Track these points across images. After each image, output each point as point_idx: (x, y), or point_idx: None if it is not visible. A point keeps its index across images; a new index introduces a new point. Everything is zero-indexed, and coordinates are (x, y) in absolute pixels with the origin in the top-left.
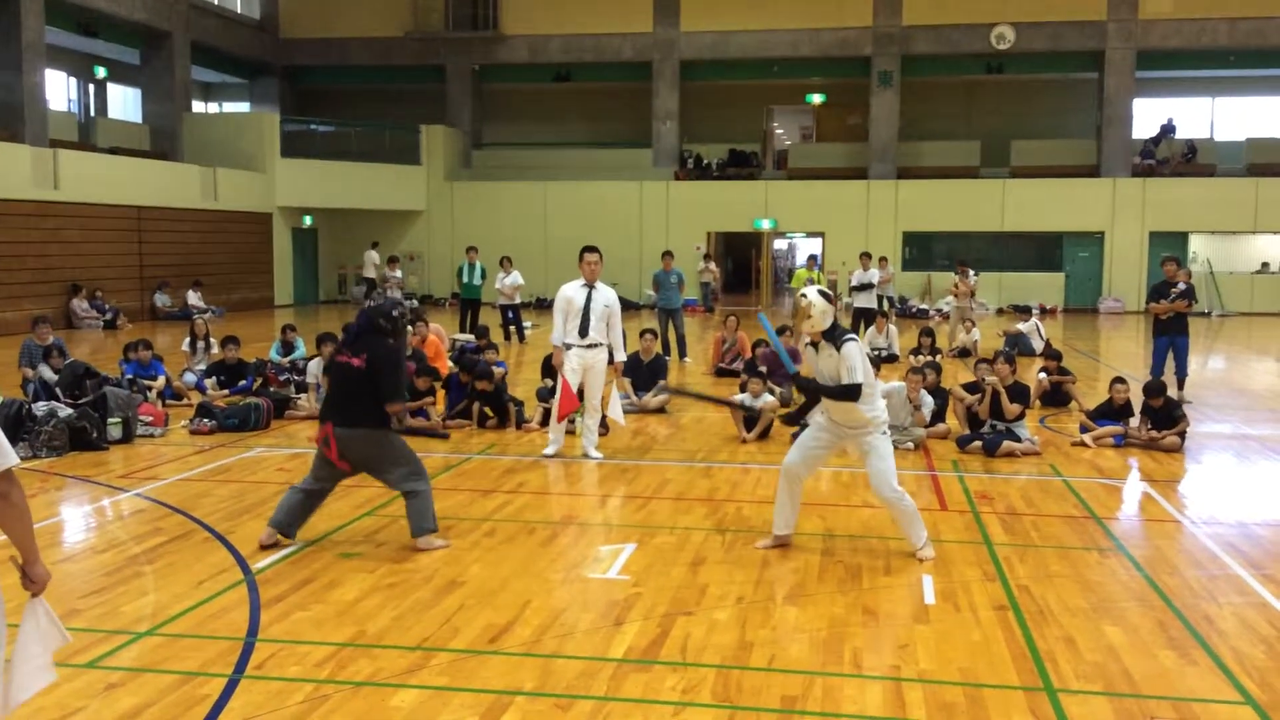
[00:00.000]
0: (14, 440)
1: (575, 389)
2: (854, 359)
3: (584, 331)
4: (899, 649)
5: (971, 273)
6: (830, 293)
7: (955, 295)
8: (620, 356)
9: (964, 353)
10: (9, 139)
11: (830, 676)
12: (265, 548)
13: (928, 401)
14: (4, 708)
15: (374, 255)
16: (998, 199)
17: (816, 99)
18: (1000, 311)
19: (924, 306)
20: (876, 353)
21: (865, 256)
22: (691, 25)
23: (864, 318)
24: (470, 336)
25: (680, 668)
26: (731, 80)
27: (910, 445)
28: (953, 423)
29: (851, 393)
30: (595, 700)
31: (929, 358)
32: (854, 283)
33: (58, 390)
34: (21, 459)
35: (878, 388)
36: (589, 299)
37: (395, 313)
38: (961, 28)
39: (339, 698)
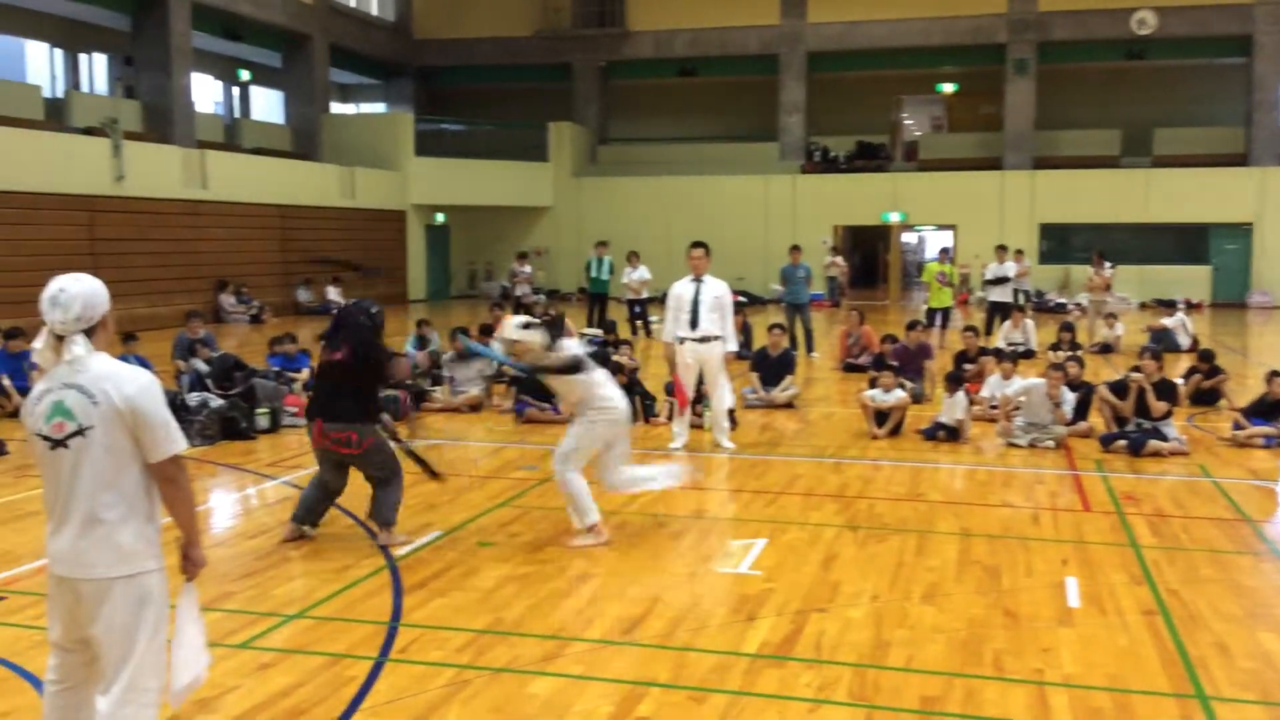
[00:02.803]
0: None
1: (692, 382)
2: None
3: (694, 323)
4: (1042, 652)
5: (1107, 264)
6: (532, 320)
7: (1090, 289)
8: (732, 346)
9: (1105, 348)
10: (160, 140)
11: (971, 678)
12: (289, 541)
13: (1068, 398)
14: (172, 695)
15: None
16: (1140, 189)
17: (948, 88)
18: (1143, 306)
19: (1062, 301)
20: (1013, 348)
21: (1001, 249)
22: (819, 16)
23: (999, 312)
24: (598, 331)
25: (815, 665)
26: (860, 71)
27: (1051, 444)
28: (1095, 420)
29: (571, 366)
30: (730, 694)
31: (1069, 353)
32: (988, 276)
33: (209, 382)
34: None
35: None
36: (697, 292)
37: (374, 310)
38: (1101, 13)
39: (479, 683)
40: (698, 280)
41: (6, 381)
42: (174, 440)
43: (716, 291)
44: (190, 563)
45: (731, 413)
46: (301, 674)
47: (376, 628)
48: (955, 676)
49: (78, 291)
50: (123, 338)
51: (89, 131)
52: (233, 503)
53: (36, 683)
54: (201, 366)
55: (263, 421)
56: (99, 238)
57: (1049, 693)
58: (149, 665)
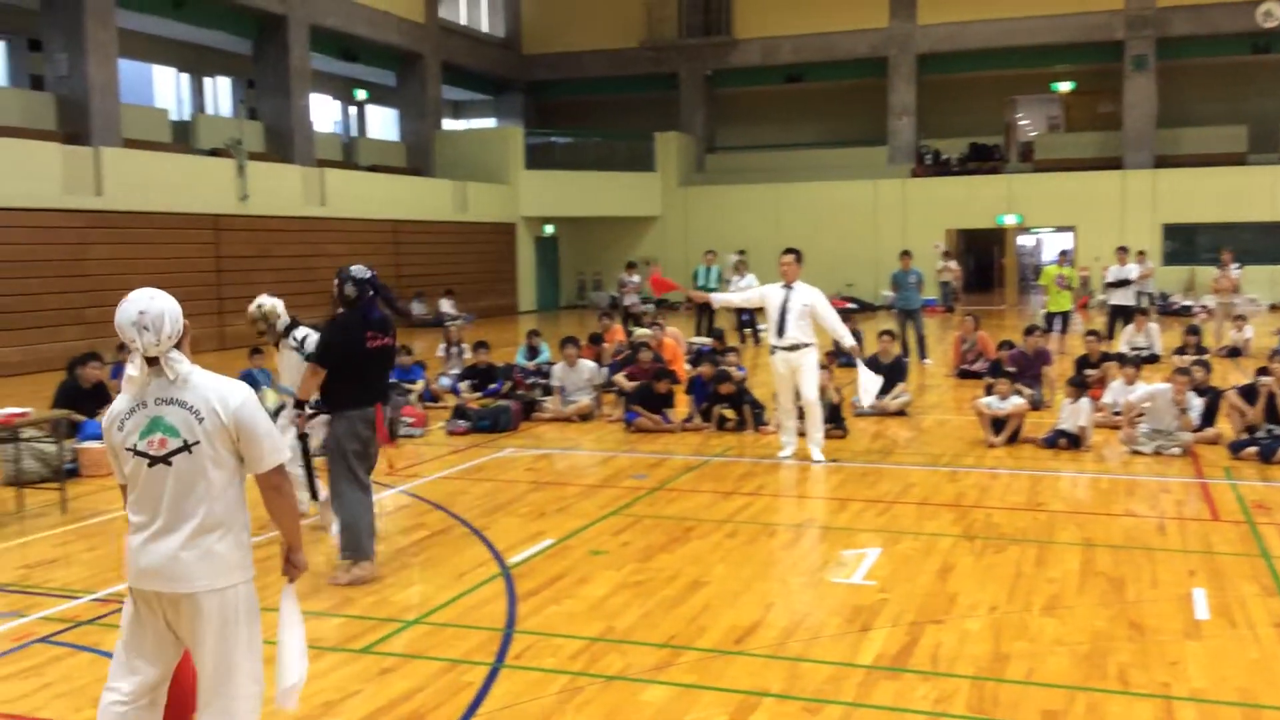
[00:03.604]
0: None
1: (788, 391)
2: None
3: (782, 331)
4: (1169, 666)
5: (1234, 265)
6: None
7: (1217, 290)
8: (849, 342)
9: (1234, 352)
10: (281, 160)
11: (1094, 692)
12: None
13: (1195, 404)
14: (281, 695)
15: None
16: (1268, 187)
17: (1064, 87)
18: (1274, 308)
19: (1187, 303)
20: (1136, 353)
21: (1122, 251)
22: (929, 18)
23: (1122, 315)
24: (707, 340)
25: (932, 677)
26: (971, 72)
27: (1176, 451)
28: (1223, 426)
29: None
30: (845, 705)
31: (1195, 357)
32: (1110, 278)
33: None
34: None
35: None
36: (786, 299)
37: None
38: (1223, 6)
39: (592, 690)
40: (788, 287)
41: None
42: (279, 450)
43: (806, 299)
44: (292, 566)
45: (842, 419)
46: (421, 679)
47: (491, 634)
48: (1078, 690)
49: (161, 310)
50: (249, 351)
51: (214, 153)
52: None
53: None
54: None
55: None
56: (224, 255)
57: (1176, 707)
58: (248, 673)
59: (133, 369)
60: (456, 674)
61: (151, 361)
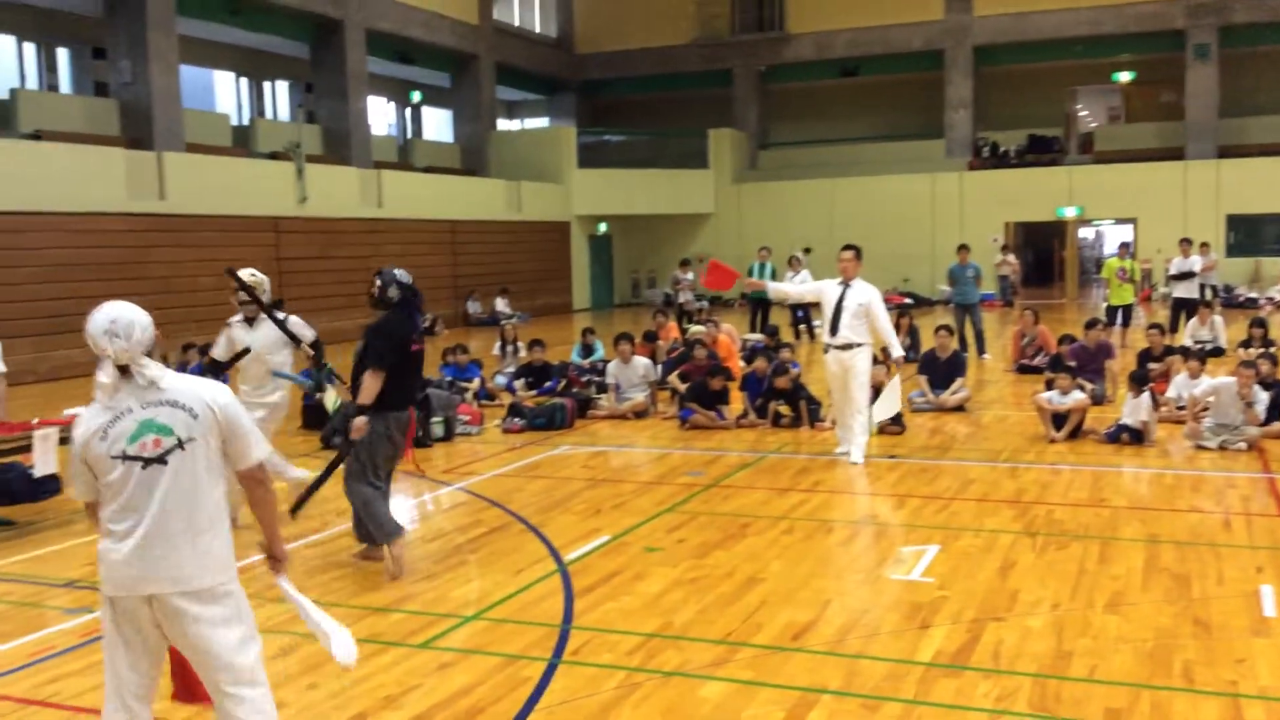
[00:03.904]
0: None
1: (842, 390)
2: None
3: (835, 329)
4: (1236, 663)
5: None
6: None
7: None
8: (897, 352)
9: None
10: (339, 163)
11: (1159, 690)
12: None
13: (1261, 398)
14: (345, 654)
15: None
16: None
17: (1124, 77)
18: None
19: (1253, 295)
20: (1200, 346)
21: (1185, 243)
22: (985, 9)
23: (1185, 308)
24: (761, 336)
25: (993, 674)
26: (1029, 63)
27: (1242, 445)
28: None
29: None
30: (904, 703)
31: (1261, 350)
32: (1173, 271)
33: None
34: None
35: None
36: (842, 296)
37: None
38: None
39: (650, 686)
40: (845, 284)
41: None
42: (262, 445)
43: (861, 298)
44: (275, 560)
45: (899, 415)
46: (480, 673)
47: (549, 630)
48: (1142, 688)
49: (131, 319)
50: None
51: (274, 156)
52: (411, 509)
53: None
54: None
55: (438, 430)
56: (284, 256)
57: (1244, 705)
58: (260, 662)
59: (104, 376)
60: (515, 669)
61: (123, 370)
